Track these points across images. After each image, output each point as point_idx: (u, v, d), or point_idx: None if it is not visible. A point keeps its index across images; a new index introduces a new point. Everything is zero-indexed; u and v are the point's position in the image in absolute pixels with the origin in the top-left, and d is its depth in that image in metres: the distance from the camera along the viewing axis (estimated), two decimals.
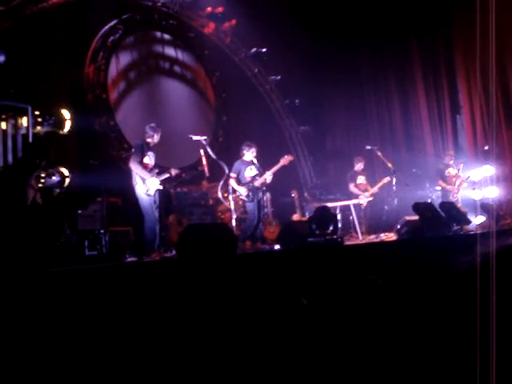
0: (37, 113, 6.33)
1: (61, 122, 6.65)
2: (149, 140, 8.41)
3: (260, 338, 2.56)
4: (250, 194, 9.06)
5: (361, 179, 11.56)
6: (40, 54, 10.13)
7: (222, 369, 2.99)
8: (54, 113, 6.60)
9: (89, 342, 4.19)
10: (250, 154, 9.29)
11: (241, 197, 9.18)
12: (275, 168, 9.28)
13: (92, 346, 4.18)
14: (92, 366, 4.08)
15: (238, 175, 9.19)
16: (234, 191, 9.21)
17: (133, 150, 8.66)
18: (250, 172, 9.25)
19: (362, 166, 11.60)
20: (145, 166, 8.19)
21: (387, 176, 11.25)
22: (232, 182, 9.11)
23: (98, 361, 4.12)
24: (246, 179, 9.19)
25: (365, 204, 11.25)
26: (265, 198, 10.11)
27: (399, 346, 2.17)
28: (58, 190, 7.23)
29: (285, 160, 9.32)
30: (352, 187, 11.45)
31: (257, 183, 9.15)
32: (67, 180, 6.83)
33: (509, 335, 1.52)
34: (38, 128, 6.38)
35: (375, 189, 11.37)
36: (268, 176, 9.19)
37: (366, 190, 11.40)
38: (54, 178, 6.68)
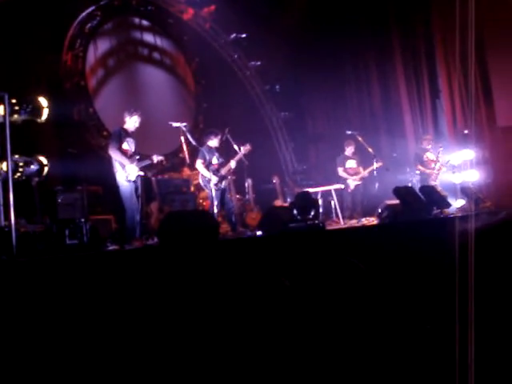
0: (14, 101, 6.23)
1: (38, 110, 6.56)
2: (126, 126, 8.37)
3: (244, 322, 2.56)
4: (219, 183, 9.12)
5: (351, 163, 11.58)
6: (16, 41, 9.99)
7: (207, 353, 2.99)
8: (31, 101, 6.50)
9: (71, 332, 4.18)
10: (215, 141, 9.35)
11: (212, 184, 9.13)
12: (237, 157, 9.36)
13: (74, 335, 4.16)
14: (75, 356, 4.06)
15: (205, 161, 9.21)
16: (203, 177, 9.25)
17: (110, 137, 8.63)
18: (216, 160, 9.31)
19: (353, 150, 11.62)
20: (124, 152, 8.16)
21: (373, 161, 11.25)
22: (202, 169, 9.13)
23: (81, 350, 4.11)
24: (213, 166, 9.23)
25: (352, 188, 11.30)
26: (246, 185, 10.11)
27: (380, 328, 2.19)
28: (36, 179, 7.15)
29: (244, 150, 9.39)
30: (341, 171, 11.50)
31: (223, 171, 9.21)
32: (46, 168, 6.75)
33: (487, 316, 1.53)
34: (15, 116, 6.28)
35: (365, 173, 11.42)
36: (232, 164, 9.32)
37: (356, 174, 11.44)
38: (32, 166, 6.60)
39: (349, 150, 11.60)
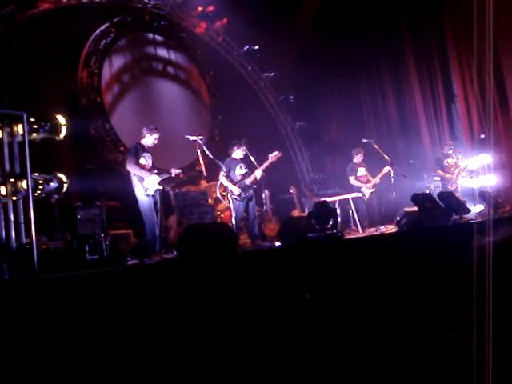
0: (32, 120, 6.30)
1: (56, 127, 6.61)
2: (143, 141, 8.42)
3: (264, 335, 2.57)
4: (242, 193, 9.13)
5: (361, 171, 11.45)
6: (33, 60, 10.13)
7: (226, 365, 3.00)
8: (49, 119, 6.57)
9: (94, 345, 4.20)
10: (239, 152, 9.36)
11: (233, 196, 9.18)
12: (264, 165, 9.33)
13: (97, 349, 4.19)
14: (98, 369, 4.09)
15: (229, 173, 9.22)
16: (226, 189, 9.27)
17: (127, 152, 8.71)
18: (240, 170, 9.32)
19: (362, 157, 11.49)
20: (142, 167, 8.21)
21: (389, 168, 11.18)
22: (224, 181, 9.14)
23: (103, 364, 4.13)
24: (236, 177, 9.24)
25: (367, 196, 11.20)
26: (263, 196, 10.12)
27: (402, 338, 2.19)
28: (56, 196, 7.21)
29: (273, 157, 9.36)
30: (353, 180, 11.36)
31: (247, 181, 9.21)
32: (65, 185, 6.81)
33: (505, 323, 1.53)
34: (34, 135, 6.34)
35: (377, 179, 11.29)
36: (258, 173, 9.24)
37: (367, 182, 11.32)
38: (52, 184, 6.64)
39: (358, 158, 11.47)
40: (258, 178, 9.30)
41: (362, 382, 2.08)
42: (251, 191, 9.31)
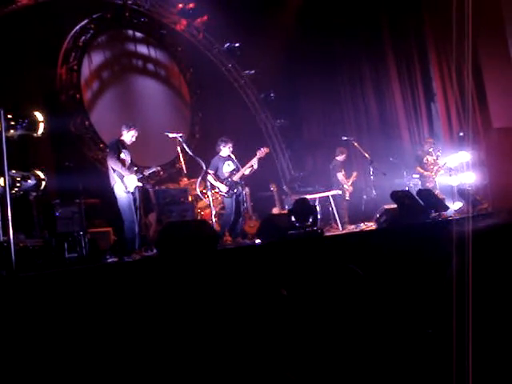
0: (9, 116, 6.23)
1: (34, 124, 6.55)
2: (123, 138, 8.39)
3: (243, 331, 2.57)
4: (230, 190, 9.13)
5: (342, 170, 11.57)
6: (11, 56, 10.01)
7: (205, 361, 2.99)
8: (27, 115, 6.50)
9: (73, 344, 4.18)
10: (226, 150, 9.35)
11: (221, 193, 9.24)
12: (251, 162, 9.34)
13: (76, 347, 4.17)
14: (76, 366, 4.07)
15: (216, 171, 9.24)
16: (213, 187, 9.27)
17: (108, 149, 8.65)
18: (228, 167, 9.32)
19: (345, 157, 11.60)
20: (122, 163, 8.17)
21: (365, 166, 11.26)
22: (210, 179, 9.15)
23: (83, 362, 4.11)
24: (224, 175, 9.25)
25: (348, 194, 11.30)
26: (244, 193, 10.15)
27: (380, 334, 2.19)
28: (34, 194, 7.14)
29: (261, 152, 9.36)
30: (340, 176, 11.41)
31: (235, 178, 9.22)
32: (43, 183, 6.75)
33: (485, 320, 1.54)
34: (12, 131, 6.28)
35: (353, 178, 11.47)
36: (246, 170, 9.27)
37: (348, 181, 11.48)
38: (29, 181, 6.59)
39: (343, 157, 11.56)
40: (245, 173, 9.33)
41: (337, 378, 2.08)
42: (240, 188, 9.33)
